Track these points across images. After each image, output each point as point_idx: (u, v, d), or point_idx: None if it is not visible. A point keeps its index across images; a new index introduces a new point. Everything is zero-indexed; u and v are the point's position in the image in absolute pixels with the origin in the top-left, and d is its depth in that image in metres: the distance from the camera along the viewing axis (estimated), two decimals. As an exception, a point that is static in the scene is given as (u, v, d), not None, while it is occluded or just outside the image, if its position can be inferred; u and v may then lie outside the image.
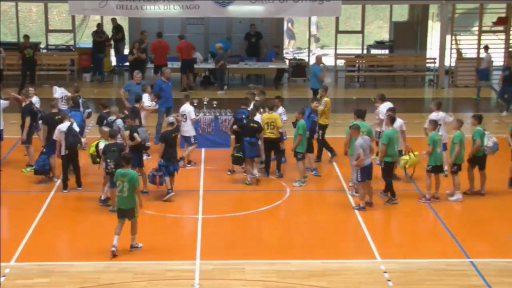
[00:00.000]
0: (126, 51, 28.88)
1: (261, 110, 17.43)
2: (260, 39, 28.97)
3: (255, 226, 14.79)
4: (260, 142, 16.99)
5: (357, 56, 30.77)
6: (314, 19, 34.87)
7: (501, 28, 29.46)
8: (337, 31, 30.97)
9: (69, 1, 25.73)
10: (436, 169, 15.69)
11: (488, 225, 14.72)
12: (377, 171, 15.88)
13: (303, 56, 30.74)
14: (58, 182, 16.66)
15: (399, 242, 14.40)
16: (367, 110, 16.99)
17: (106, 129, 15.60)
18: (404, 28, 31.34)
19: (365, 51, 31.15)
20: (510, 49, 28.58)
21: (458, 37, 29.82)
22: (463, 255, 13.25)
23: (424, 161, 15.95)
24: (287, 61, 29.07)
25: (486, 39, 29.31)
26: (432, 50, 31.53)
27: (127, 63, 27.66)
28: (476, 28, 29.78)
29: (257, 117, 17.16)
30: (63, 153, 16.14)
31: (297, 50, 35.37)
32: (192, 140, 17.97)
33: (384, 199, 15.71)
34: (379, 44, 31.98)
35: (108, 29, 29.73)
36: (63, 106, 18.70)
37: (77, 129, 16.40)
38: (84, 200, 15.99)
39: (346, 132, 16.12)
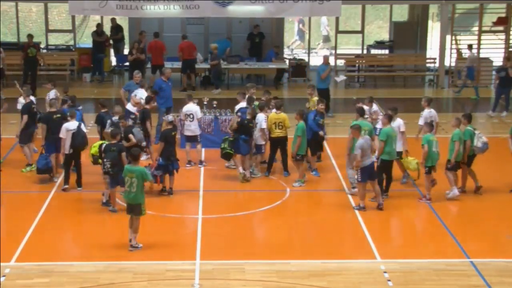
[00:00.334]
0: (126, 51, 28.87)
1: (267, 109, 17.42)
2: (263, 39, 28.99)
3: (255, 226, 14.80)
4: (266, 141, 17.04)
5: (357, 56, 30.76)
6: (324, 19, 34.92)
7: (501, 28, 29.45)
8: (337, 31, 30.97)
9: (69, 1, 25.71)
10: (434, 169, 15.72)
11: (488, 225, 14.71)
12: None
13: (313, 56, 30.76)
14: (59, 181, 16.68)
15: (399, 242, 14.41)
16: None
17: (109, 130, 15.64)
18: (404, 28, 31.31)
19: (365, 51, 31.16)
20: (510, 49, 28.59)
21: (458, 37, 29.81)
22: (463, 255, 13.26)
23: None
24: (287, 61, 29.06)
25: (486, 39, 29.33)
26: (432, 50, 31.52)
27: (127, 63, 27.64)
28: (476, 28, 29.77)
29: (262, 117, 17.15)
30: (67, 151, 16.15)
31: (307, 50, 35.40)
32: (199, 139, 18.01)
33: (385, 199, 15.68)
34: (379, 44, 31.96)
35: (108, 29, 29.72)
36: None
37: (85, 130, 16.45)
38: (84, 200, 16.00)
39: (349, 132, 16.14)
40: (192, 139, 18.07)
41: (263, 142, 17.36)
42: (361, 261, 13.06)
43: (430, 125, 15.90)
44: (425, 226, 14.76)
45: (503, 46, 29.07)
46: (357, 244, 13.81)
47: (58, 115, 16.75)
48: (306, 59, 29.64)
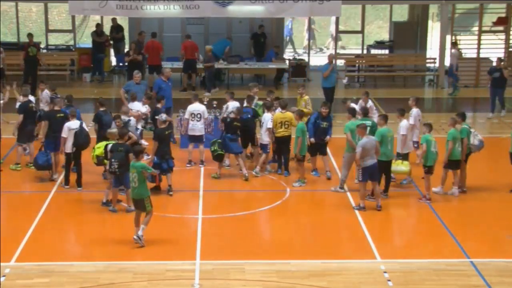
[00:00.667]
0: (125, 51, 28.88)
1: (273, 109, 17.42)
2: (266, 39, 29.02)
3: (255, 226, 14.80)
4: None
5: (357, 56, 30.77)
6: (333, 19, 34.94)
7: (501, 28, 29.45)
8: (337, 31, 30.99)
9: (69, 1, 25.73)
10: (433, 169, 15.73)
11: (488, 225, 14.71)
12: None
13: (313, 56, 30.79)
14: (59, 180, 16.69)
15: (399, 242, 14.41)
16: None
17: (113, 130, 15.65)
18: (404, 28, 31.32)
19: (365, 51, 31.16)
20: (510, 49, 28.60)
21: (458, 37, 29.81)
22: (463, 255, 13.25)
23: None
24: (287, 61, 29.07)
25: (486, 39, 29.33)
26: (432, 50, 31.53)
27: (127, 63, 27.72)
28: (476, 28, 29.77)
29: (269, 116, 17.14)
30: (69, 150, 16.16)
31: (318, 50, 35.40)
32: (204, 139, 18.06)
33: (385, 199, 15.68)
34: (379, 44, 31.97)
35: (108, 29, 29.73)
36: (46, 107, 18.58)
37: (87, 129, 16.47)
38: (84, 200, 16.00)
39: (345, 129, 16.15)
40: (197, 139, 18.04)
41: (268, 142, 17.33)
42: (361, 261, 13.06)
43: (429, 125, 15.91)
44: (425, 226, 14.76)
45: (503, 46, 29.07)
46: (357, 244, 13.81)
47: (61, 114, 16.77)
48: (311, 60, 29.65)
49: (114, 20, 28.62)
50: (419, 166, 16.05)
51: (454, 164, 15.98)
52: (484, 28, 29.07)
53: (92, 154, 15.67)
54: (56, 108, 17.10)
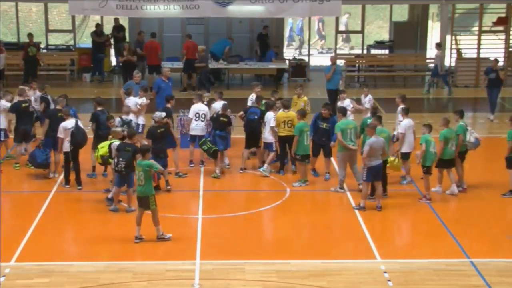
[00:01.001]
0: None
1: (276, 108, 17.42)
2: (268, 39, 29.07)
3: (255, 226, 14.79)
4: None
5: (357, 56, 30.78)
6: (344, 19, 34.99)
7: (501, 28, 29.47)
8: (337, 31, 31.00)
9: (69, 1, 25.74)
10: (431, 169, 15.76)
11: (488, 225, 14.71)
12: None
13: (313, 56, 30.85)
14: (59, 180, 16.69)
15: (399, 242, 14.41)
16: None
17: (118, 129, 15.67)
18: (404, 28, 31.34)
19: (365, 51, 31.17)
20: (510, 49, 28.61)
21: (458, 37, 29.83)
22: (463, 255, 13.25)
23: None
24: (287, 61, 29.07)
25: (486, 39, 29.34)
26: (432, 50, 31.52)
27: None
28: (476, 28, 29.79)
29: (271, 115, 17.15)
30: (67, 149, 16.18)
31: (327, 50, 35.38)
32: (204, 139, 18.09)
33: (385, 199, 15.69)
34: (379, 44, 31.98)
35: (108, 28, 29.75)
36: (38, 106, 18.58)
37: (82, 126, 16.48)
38: (84, 200, 16.00)
39: (336, 129, 16.19)
40: (199, 139, 18.04)
41: (273, 140, 17.32)
42: (361, 261, 13.06)
43: (429, 126, 15.92)
44: (425, 226, 14.75)
45: (503, 46, 29.08)
46: (357, 244, 13.80)
47: (62, 114, 16.79)
48: (315, 59, 29.68)
49: (116, 20, 28.64)
50: (419, 166, 16.05)
51: (447, 163, 16.01)
52: (484, 28, 29.09)
53: (96, 154, 15.65)
54: (58, 107, 17.11)
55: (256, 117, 17.56)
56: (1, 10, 30.16)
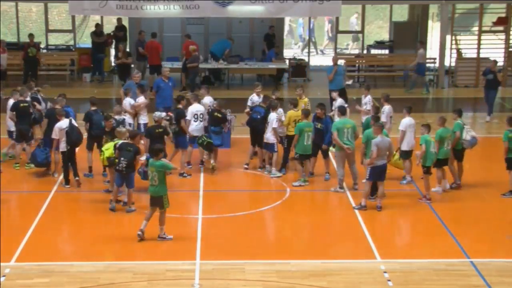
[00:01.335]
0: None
1: (290, 106, 17.45)
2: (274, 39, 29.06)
3: (255, 226, 14.78)
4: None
5: (357, 56, 30.77)
6: (353, 19, 34.99)
7: (501, 28, 29.47)
8: (337, 31, 31.00)
9: (69, 1, 25.76)
10: (431, 169, 15.78)
11: (488, 225, 14.70)
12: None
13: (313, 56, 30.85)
14: (59, 179, 16.70)
15: (399, 242, 14.41)
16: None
17: (122, 129, 15.68)
18: (404, 28, 31.33)
19: (365, 51, 31.17)
20: (510, 49, 28.61)
21: (458, 37, 29.83)
22: (463, 255, 13.25)
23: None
24: (287, 61, 29.07)
25: (486, 39, 29.34)
26: (432, 50, 31.53)
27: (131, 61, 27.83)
28: (476, 28, 29.79)
29: (274, 116, 17.14)
30: (64, 149, 16.18)
31: (338, 50, 35.38)
32: None
33: (385, 199, 15.68)
34: (379, 44, 31.98)
35: (108, 28, 29.77)
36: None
37: (76, 124, 16.50)
38: (84, 200, 16.01)
39: (332, 128, 16.23)
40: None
41: (274, 141, 17.30)
42: (361, 261, 13.06)
43: (428, 126, 15.93)
44: (425, 226, 14.75)
45: (503, 46, 29.09)
46: (357, 244, 13.80)
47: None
48: (315, 60, 29.71)
49: (119, 20, 28.66)
50: (419, 166, 16.05)
51: (442, 162, 16.07)
52: (484, 28, 29.09)
53: (101, 157, 15.57)
54: (57, 106, 17.12)
55: (259, 116, 17.54)
56: (1, 10, 30.17)
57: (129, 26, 29.75)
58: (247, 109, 18.34)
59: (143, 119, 18.39)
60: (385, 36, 35.24)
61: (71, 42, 31.42)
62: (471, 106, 25.11)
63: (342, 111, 16.67)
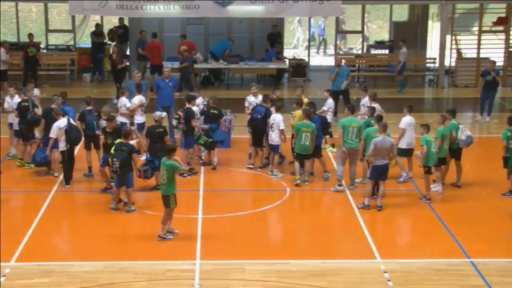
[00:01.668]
0: (128, 52, 28.91)
1: (297, 106, 17.45)
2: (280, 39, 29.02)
3: (255, 226, 14.78)
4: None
5: (357, 56, 30.76)
6: (366, 19, 34.94)
7: (501, 28, 29.47)
8: (337, 31, 31.00)
9: (69, 1, 25.75)
10: (430, 169, 15.79)
11: (488, 225, 14.71)
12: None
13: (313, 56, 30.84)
14: (60, 179, 16.71)
15: (399, 242, 14.41)
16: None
17: (132, 128, 15.69)
18: (404, 28, 31.33)
19: (365, 51, 31.17)
20: (510, 49, 28.61)
21: (458, 37, 29.84)
22: (463, 255, 13.25)
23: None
24: (287, 61, 29.07)
25: (486, 39, 29.34)
26: (432, 50, 31.53)
27: (127, 63, 27.74)
28: (476, 28, 29.79)
29: (280, 117, 17.11)
30: (63, 148, 16.19)
31: (348, 50, 35.38)
32: None
33: (385, 199, 15.68)
34: (379, 44, 31.97)
35: (108, 28, 29.73)
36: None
37: (74, 124, 16.51)
38: (84, 200, 16.01)
39: (339, 125, 16.30)
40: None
41: (279, 143, 17.29)
42: (361, 261, 13.06)
43: (427, 126, 15.93)
44: (425, 226, 14.75)
45: (503, 46, 29.09)
46: (357, 244, 13.80)
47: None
48: (312, 60, 29.68)
49: (121, 19, 28.65)
50: (418, 166, 16.07)
51: (441, 161, 16.08)
52: (484, 28, 29.09)
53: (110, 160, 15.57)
54: (53, 106, 17.12)
55: (259, 116, 17.52)
56: (1, 10, 30.17)
57: (129, 26, 29.76)
58: (248, 111, 18.26)
59: (138, 119, 18.37)
60: (385, 36, 35.23)
61: (71, 42, 31.42)
62: (471, 106, 25.11)
63: (351, 109, 16.67)
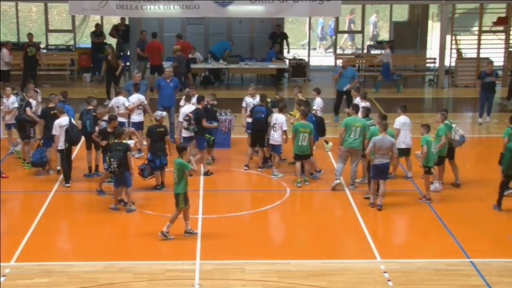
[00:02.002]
0: (128, 52, 28.88)
1: (300, 107, 17.41)
2: (286, 39, 28.95)
3: (255, 226, 14.79)
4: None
5: (357, 56, 30.75)
6: (373, 18, 34.86)
7: (501, 28, 29.47)
8: (337, 31, 30.98)
9: (69, 1, 25.76)
10: (430, 169, 15.80)
11: (488, 225, 14.71)
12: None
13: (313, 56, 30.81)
14: (60, 179, 16.71)
15: (399, 242, 14.41)
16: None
17: (131, 129, 15.68)
18: (404, 28, 31.33)
19: (365, 51, 31.16)
20: (510, 49, 28.61)
21: (458, 37, 29.83)
22: (463, 255, 13.25)
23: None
24: (287, 61, 29.06)
25: (486, 39, 29.34)
26: (432, 50, 31.52)
27: (128, 63, 27.74)
28: (476, 28, 29.79)
29: (283, 118, 17.13)
30: (62, 147, 16.19)
31: (355, 50, 35.35)
32: None
33: (385, 199, 15.68)
34: (379, 44, 31.96)
35: (108, 28, 29.72)
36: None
37: (76, 124, 16.52)
38: (84, 200, 16.00)
39: (342, 124, 16.36)
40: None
41: (281, 143, 17.28)
42: (361, 261, 13.06)
43: (427, 126, 15.94)
44: (425, 226, 14.75)
45: (503, 46, 29.09)
46: (357, 244, 13.81)
47: (55, 111, 16.81)
48: (317, 60, 29.69)
49: (122, 19, 28.62)
50: (419, 166, 16.07)
51: (440, 160, 16.10)
52: (484, 28, 29.09)
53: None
54: (51, 105, 17.13)
55: (263, 115, 17.51)
56: (1, 10, 30.16)
57: (129, 26, 29.75)
58: (247, 113, 18.20)
59: (134, 118, 18.36)
60: (385, 36, 35.21)
61: (71, 42, 31.41)
62: (471, 106, 25.11)
63: (355, 108, 16.71)
